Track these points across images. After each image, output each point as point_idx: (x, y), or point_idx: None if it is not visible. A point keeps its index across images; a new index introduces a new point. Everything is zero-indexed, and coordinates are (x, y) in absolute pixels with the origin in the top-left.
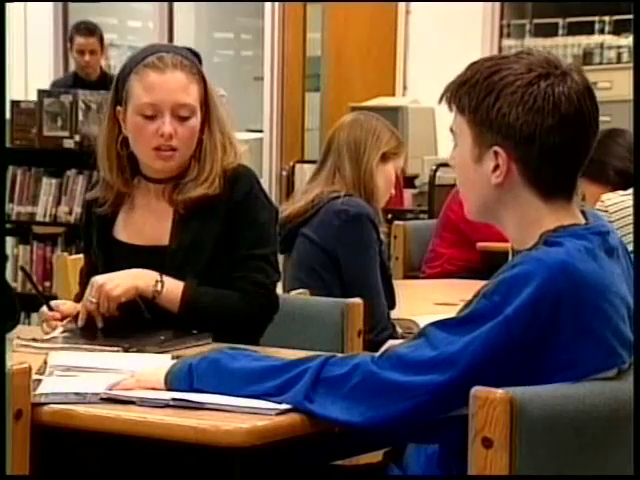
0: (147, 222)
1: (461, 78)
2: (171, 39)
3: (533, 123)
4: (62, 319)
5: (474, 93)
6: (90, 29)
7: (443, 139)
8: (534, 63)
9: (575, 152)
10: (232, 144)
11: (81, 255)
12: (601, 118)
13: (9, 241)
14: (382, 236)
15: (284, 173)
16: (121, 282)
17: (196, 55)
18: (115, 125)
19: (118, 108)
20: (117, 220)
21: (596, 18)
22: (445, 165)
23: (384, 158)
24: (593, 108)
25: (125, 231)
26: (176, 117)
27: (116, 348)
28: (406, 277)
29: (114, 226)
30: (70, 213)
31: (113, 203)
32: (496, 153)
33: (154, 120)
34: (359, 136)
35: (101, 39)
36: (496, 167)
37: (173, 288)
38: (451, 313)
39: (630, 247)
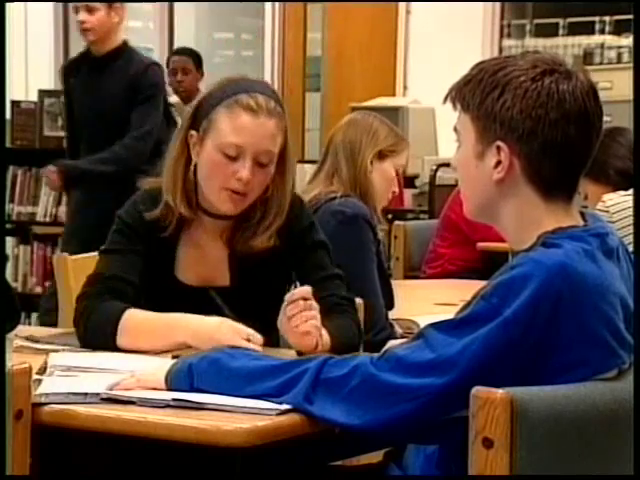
0: (202, 262)
1: (467, 77)
2: (171, 39)
3: (536, 117)
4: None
5: (479, 90)
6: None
7: (443, 139)
8: (539, 60)
9: (577, 150)
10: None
11: (82, 255)
12: None
13: (9, 241)
14: (380, 236)
15: None
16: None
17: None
18: (185, 149)
19: (192, 132)
20: (177, 256)
21: (596, 18)
22: (446, 165)
23: (381, 156)
24: (597, 108)
25: (182, 269)
26: (256, 163)
27: None
28: (406, 277)
29: (175, 262)
30: None
31: (176, 227)
32: (499, 148)
33: (234, 161)
34: (355, 135)
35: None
36: (498, 163)
37: None
38: (451, 313)
39: (631, 247)
